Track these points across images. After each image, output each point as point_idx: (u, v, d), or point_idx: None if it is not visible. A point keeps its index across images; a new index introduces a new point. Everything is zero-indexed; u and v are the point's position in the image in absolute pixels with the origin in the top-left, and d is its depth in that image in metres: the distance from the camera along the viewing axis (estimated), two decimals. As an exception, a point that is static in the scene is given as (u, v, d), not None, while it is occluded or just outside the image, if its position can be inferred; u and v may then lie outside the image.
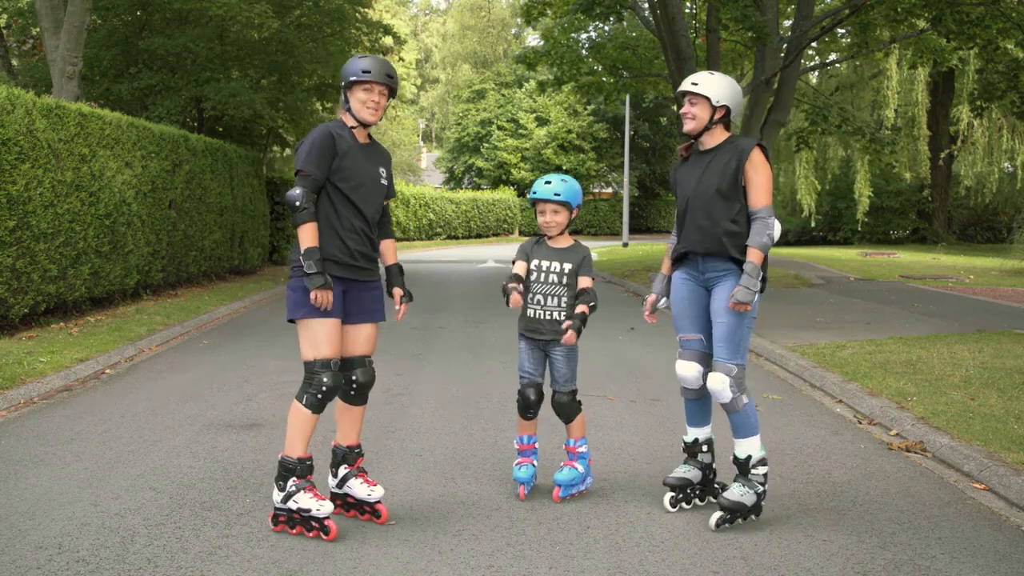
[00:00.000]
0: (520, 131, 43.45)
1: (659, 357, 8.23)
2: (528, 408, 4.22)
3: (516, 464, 4.28)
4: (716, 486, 4.23)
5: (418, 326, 10.41)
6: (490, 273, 19.34)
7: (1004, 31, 14.85)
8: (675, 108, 20.58)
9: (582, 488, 4.30)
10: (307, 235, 3.68)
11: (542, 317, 4.16)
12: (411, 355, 8.35)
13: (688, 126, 4.00)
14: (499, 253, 28.04)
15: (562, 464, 4.28)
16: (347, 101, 3.84)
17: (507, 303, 4.11)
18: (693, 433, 4.18)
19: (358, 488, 3.89)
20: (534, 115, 43.27)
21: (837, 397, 6.53)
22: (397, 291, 4.04)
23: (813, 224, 32.61)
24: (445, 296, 14.29)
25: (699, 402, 4.16)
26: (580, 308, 4.14)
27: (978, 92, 16.73)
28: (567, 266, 4.16)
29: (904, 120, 29.72)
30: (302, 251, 3.68)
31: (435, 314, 11.61)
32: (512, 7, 56.92)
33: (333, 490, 3.98)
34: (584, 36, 22.27)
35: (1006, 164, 29.95)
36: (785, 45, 16.18)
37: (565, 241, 4.24)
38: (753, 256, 3.85)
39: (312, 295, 3.67)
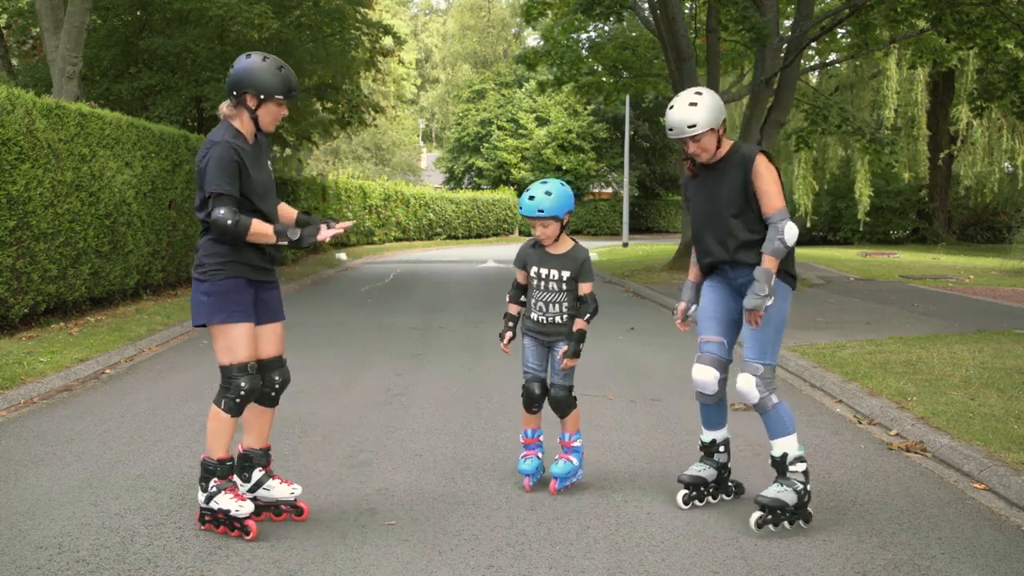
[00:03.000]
0: (520, 131, 43.44)
1: (659, 357, 8.23)
2: (533, 402, 4.33)
3: (522, 456, 4.39)
4: (730, 484, 4.23)
5: (418, 326, 10.41)
6: (490, 273, 19.33)
7: (1004, 31, 14.86)
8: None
9: (575, 480, 4.41)
10: (261, 228, 3.64)
11: (545, 321, 4.28)
12: (411, 355, 8.35)
13: (703, 159, 3.96)
14: (499, 253, 28.03)
15: (557, 457, 4.38)
16: (250, 108, 3.71)
17: (499, 337, 4.37)
18: (710, 435, 4.18)
19: (278, 489, 3.89)
20: (534, 115, 43.26)
21: (837, 397, 6.52)
22: (321, 223, 3.84)
23: (808, 224, 32.59)
24: (445, 296, 14.30)
25: (716, 406, 4.15)
26: (578, 325, 4.26)
27: (978, 92, 16.73)
28: (566, 273, 4.22)
29: (904, 120, 29.72)
30: (274, 232, 3.65)
31: (435, 314, 11.62)
32: (512, 7, 56.91)
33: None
34: (584, 36, 22.28)
35: (1006, 164, 29.95)
36: (785, 45, 16.19)
37: (564, 245, 4.28)
38: (765, 262, 3.82)
39: (323, 235, 3.71)
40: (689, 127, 3.86)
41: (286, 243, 3.68)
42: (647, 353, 8.43)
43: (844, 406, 6.31)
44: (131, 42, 16.60)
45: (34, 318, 8.97)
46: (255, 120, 3.76)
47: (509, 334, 4.37)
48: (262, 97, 3.70)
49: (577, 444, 4.37)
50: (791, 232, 3.80)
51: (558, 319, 4.25)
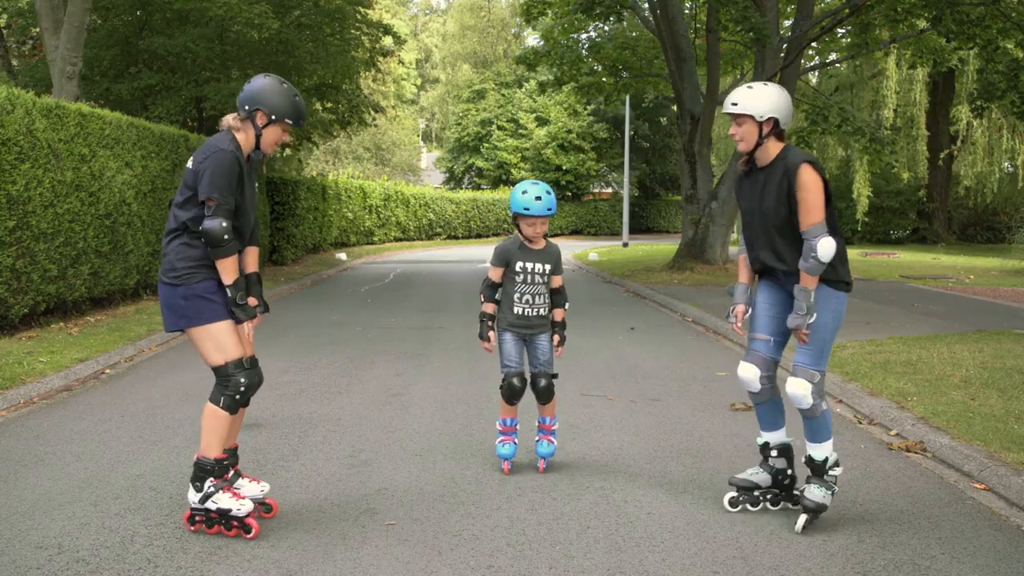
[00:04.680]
0: (520, 131, 43.41)
1: (659, 357, 8.22)
2: (515, 396, 4.59)
3: (500, 442, 4.66)
4: (796, 492, 4.08)
5: (418, 326, 10.41)
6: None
7: (1004, 31, 14.87)
8: (675, 108, 20.60)
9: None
10: (233, 267, 3.68)
11: (531, 314, 4.57)
12: (411, 355, 8.35)
13: (740, 147, 3.91)
14: (499, 253, 27.96)
15: (539, 439, 4.69)
16: (256, 125, 3.76)
17: (480, 337, 4.60)
18: (764, 436, 4.11)
19: (248, 488, 3.88)
20: (534, 115, 43.22)
21: (837, 397, 6.52)
22: (252, 300, 3.85)
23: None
24: (445, 296, 14.29)
25: (767, 405, 4.08)
26: (559, 314, 4.66)
27: (978, 92, 16.73)
28: (548, 266, 4.59)
29: (903, 120, 29.73)
30: (230, 283, 3.67)
31: (435, 314, 11.61)
32: (512, 7, 56.86)
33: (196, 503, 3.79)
34: (584, 36, 22.29)
35: (1006, 164, 29.96)
36: (785, 45, 16.19)
37: (541, 242, 4.62)
38: (802, 279, 3.81)
39: (247, 325, 3.76)
40: (732, 104, 3.84)
41: (229, 295, 3.69)
42: (647, 353, 8.43)
43: (844, 406, 6.30)
44: (131, 42, 16.60)
45: (34, 318, 8.97)
46: (258, 138, 3.80)
47: (493, 333, 4.60)
48: (272, 117, 3.76)
49: (555, 427, 4.72)
50: (824, 248, 3.73)
51: (541, 311, 4.58)
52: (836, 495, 3.93)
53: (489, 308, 4.61)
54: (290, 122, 3.80)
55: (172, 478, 4.49)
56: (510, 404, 4.61)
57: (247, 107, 3.76)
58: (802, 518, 3.85)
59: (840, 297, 3.90)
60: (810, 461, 3.95)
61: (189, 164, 3.74)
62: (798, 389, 3.86)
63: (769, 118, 3.81)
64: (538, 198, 4.40)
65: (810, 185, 3.77)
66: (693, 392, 6.69)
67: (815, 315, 3.82)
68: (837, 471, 3.93)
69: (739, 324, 4.17)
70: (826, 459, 3.91)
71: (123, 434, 5.38)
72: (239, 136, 3.79)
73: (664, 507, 4.12)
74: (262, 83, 3.79)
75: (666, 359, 8.12)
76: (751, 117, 3.82)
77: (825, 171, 3.92)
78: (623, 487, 4.41)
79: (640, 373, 7.43)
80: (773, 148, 3.89)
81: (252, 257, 3.89)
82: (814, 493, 3.87)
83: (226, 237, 3.60)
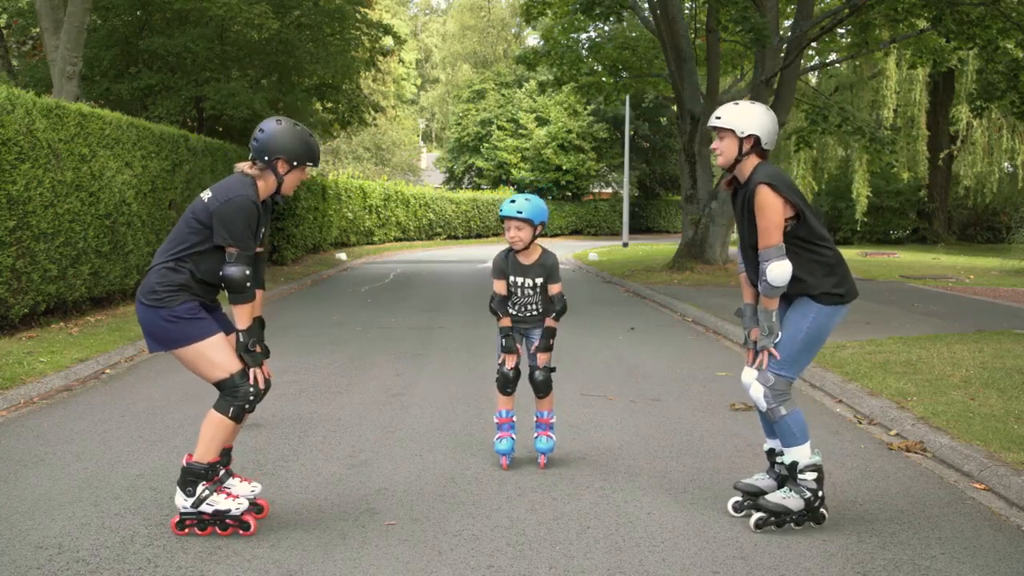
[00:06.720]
0: (520, 131, 43.41)
1: (659, 357, 8.22)
2: (507, 384, 4.73)
3: (497, 438, 4.72)
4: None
5: (418, 326, 10.41)
6: (490, 273, 19.24)
7: (1004, 31, 14.88)
8: (675, 108, 20.61)
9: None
10: (249, 313, 3.72)
11: (525, 315, 4.74)
12: (411, 355, 8.35)
13: (719, 161, 3.91)
14: (499, 253, 27.95)
15: (538, 435, 4.75)
16: (278, 173, 3.77)
17: (503, 351, 4.70)
18: (769, 443, 4.11)
19: (239, 487, 3.88)
20: (534, 115, 43.22)
21: (837, 397, 6.52)
22: (256, 348, 3.83)
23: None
24: (445, 296, 14.29)
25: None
26: (548, 323, 4.70)
27: (978, 92, 16.74)
28: (539, 280, 4.66)
29: (903, 120, 29.72)
30: (244, 328, 3.70)
31: (435, 314, 11.62)
32: (512, 7, 56.83)
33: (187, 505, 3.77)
34: (584, 36, 22.29)
35: (1006, 164, 29.96)
36: (785, 45, 16.20)
37: (534, 254, 4.65)
38: (762, 301, 3.84)
39: (253, 373, 3.74)
40: (716, 117, 3.88)
41: (242, 340, 3.72)
42: (647, 353, 8.43)
43: (844, 406, 6.30)
44: (131, 42, 16.60)
45: (34, 318, 8.97)
46: (279, 183, 3.82)
47: (520, 347, 4.74)
48: (294, 164, 3.78)
49: (553, 420, 4.80)
50: (775, 272, 3.68)
51: (534, 311, 4.72)
52: (818, 499, 3.82)
53: (507, 323, 4.72)
54: (311, 164, 3.84)
55: (172, 478, 4.48)
56: (504, 394, 4.74)
57: (266, 157, 3.75)
58: (755, 515, 3.85)
59: (820, 310, 3.83)
60: (783, 465, 3.95)
61: (204, 197, 3.72)
62: (754, 392, 3.94)
63: (750, 135, 3.81)
64: (512, 201, 4.52)
65: (765, 207, 3.72)
66: (693, 392, 6.69)
67: (779, 334, 3.86)
68: (810, 475, 3.84)
69: (751, 351, 4.05)
70: (795, 464, 3.87)
71: (123, 434, 5.38)
72: (260, 183, 3.78)
73: (664, 507, 4.12)
74: (277, 130, 3.76)
75: (666, 359, 8.12)
76: (732, 132, 3.82)
77: (790, 188, 3.81)
78: (623, 487, 4.41)
79: (640, 373, 7.44)
80: (750, 166, 3.87)
81: (258, 301, 3.88)
82: (775, 495, 3.86)
83: (248, 284, 3.66)
